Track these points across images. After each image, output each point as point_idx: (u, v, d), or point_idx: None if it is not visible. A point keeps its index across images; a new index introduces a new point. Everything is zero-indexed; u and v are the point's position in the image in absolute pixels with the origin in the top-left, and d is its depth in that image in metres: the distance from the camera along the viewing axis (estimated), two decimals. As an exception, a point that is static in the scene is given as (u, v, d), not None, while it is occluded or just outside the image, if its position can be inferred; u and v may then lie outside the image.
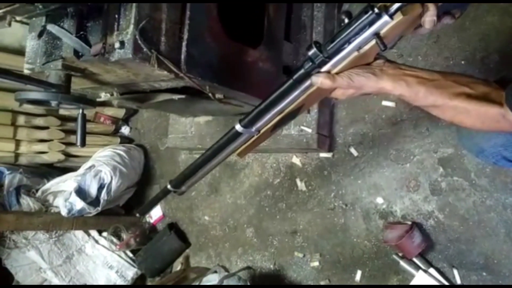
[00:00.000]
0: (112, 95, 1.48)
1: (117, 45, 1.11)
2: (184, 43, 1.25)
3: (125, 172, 2.22)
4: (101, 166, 2.15)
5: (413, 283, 1.59)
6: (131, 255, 2.31)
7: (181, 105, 1.70)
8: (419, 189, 1.68)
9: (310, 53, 0.73)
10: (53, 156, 2.23)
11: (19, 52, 1.90)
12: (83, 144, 1.29)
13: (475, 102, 0.72)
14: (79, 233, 2.25)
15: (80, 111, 1.27)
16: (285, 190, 2.00)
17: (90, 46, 1.14)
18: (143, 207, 1.36)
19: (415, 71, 0.75)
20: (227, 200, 2.18)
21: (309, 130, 1.78)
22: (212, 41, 1.34)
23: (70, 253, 2.20)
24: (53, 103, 1.20)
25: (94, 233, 2.29)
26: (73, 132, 2.19)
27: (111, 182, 2.14)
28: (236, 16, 1.47)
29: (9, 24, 1.12)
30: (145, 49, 1.12)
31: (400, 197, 1.71)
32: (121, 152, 2.30)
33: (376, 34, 0.68)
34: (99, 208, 2.11)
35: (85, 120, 1.29)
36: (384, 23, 0.67)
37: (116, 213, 2.38)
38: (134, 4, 1.12)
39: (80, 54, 1.16)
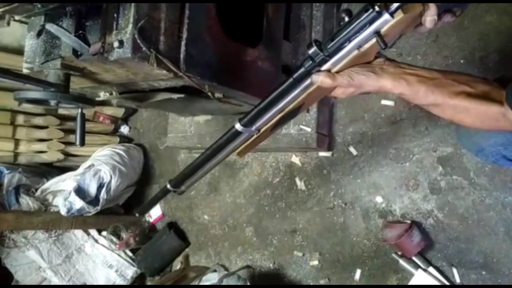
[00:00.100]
0: (111, 94, 1.47)
1: (116, 44, 1.10)
2: (183, 43, 1.24)
3: (124, 171, 2.22)
4: (101, 166, 2.15)
5: (412, 282, 1.59)
6: (130, 254, 2.31)
7: (180, 104, 1.70)
8: (419, 188, 1.68)
9: (310, 51, 0.73)
10: (52, 155, 2.22)
11: (18, 51, 1.90)
12: (82, 143, 1.28)
13: (475, 101, 0.72)
14: (79, 232, 2.24)
15: (79, 110, 1.27)
16: (285, 189, 2.00)
17: (89, 45, 1.14)
18: (143, 206, 1.36)
19: (415, 70, 0.75)
20: (227, 199, 2.18)
21: (309, 129, 1.78)
22: (211, 41, 1.34)
23: (69, 252, 2.19)
24: (52, 103, 1.19)
25: (93, 232, 2.29)
26: (72, 131, 2.18)
27: (110, 181, 2.13)
28: (235, 15, 1.46)
29: (8, 24, 1.12)
30: (144, 48, 1.12)
31: (400, 196, 1.71)
32: (121, 152, 2.29)
33: (377, 33, 0.68)
34: (99, 208, 2.11)
35: (84, 119, 1.28)
36: (385, 22, 0.67)
37: (116, 212, 2.38)
38: (133, 4, 1.11)
39: (79, 53, 1.16)
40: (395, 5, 0.65)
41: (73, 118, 1.82)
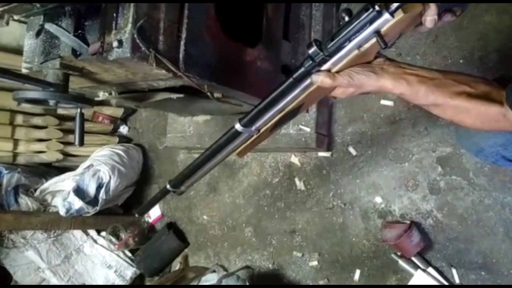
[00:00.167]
0: (110, 94, 1.47)
1: (115, 44, 1.10)
2: (182, 42, 1.24)
3: (123, 171, 2.22)
4: (100, 166, 2.15)
5: (411, 282, 1.59)
6: (129, 254, 2.30)
7: (179, 104, 1.70)
8: (418, 188, 1.68)
9: (310, 51, 0.72)
10: (52, 155, 2.22)
11: (17, 51, 1.90)
12: (82, 143, 1.28)
13: (476, 101, 0.72)
14: (78, 233, 2.24)
15: (78, 110, 1.26)
16: (284, 189, 2.00)
17: (88, 45, 1.14)
18: (142, 207, 1.36)
19: (415, 70, 0.75)
20: (226, 200, 2.17)
21: (308, 130, 1.77)
22: (210, 40, 1.34)
23: (68, 252, 2.19)
24: (51, 102, 1.19)
25: (92, 232, 2.29)
26: (72, 131, 2.19)
27: (109, 181, 2.13)
28: (234, 15, 1.46)
29: (7, 23, 1.11)
30: (143, 48, 1.11)
31: (399, 196, 1.71)
32: (120, 152, 2.29)
33: (377, 32, 0.67)
34: (98, 208, 2.10)
35: (83, 119, 1.28)
36: (385, 21, 0.66)
37: (115, 213, 2.38)
38: (132, 3, 1.11)
39: (78, 53, 1.16)
40: (395, 4, 0.65)
41: (72, 118, 1.82)
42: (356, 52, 0.72)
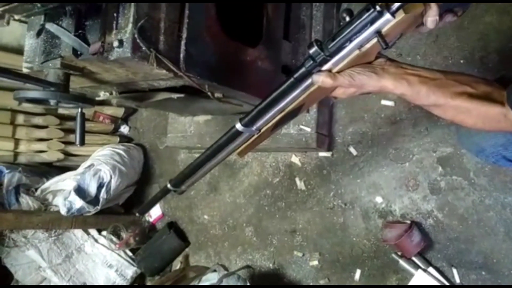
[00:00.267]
0: (111, 94, 1.47)
1: (115, 44, 1.10)
2: (183, 42, 1.24)
3: (124, 171, 2.22)
4: (101, 165, 2.15)
5: (412, 282, 1.59)
6: (130, 254, 2.31)
7: (180, 104, 1.70)
8: (418, 188, 1.68)
9: (311, 51, 0.72)
10: (52, 155, 2.22)
11: (18, 51, 1.90)
12: (82, 143, 1.28)
13: (477, 102, 0.72)
14: (79, 232, 2.24)
15: (79, 110, 1.26)
16: (285, 189, 2.00)
17: (88, 45, 1.14)
18: (143, 206, 1.36)
19: (416, 70, 0.75)
20: (227, 199, 2.17)
21: (308, 129, 1.77)
22: (211, 40, 1.34)
23: (69, 252, 2.19)
24: (52, 102, 1.19)
25: (93, 232, 2.29)
26: (72, 131, 2.18)
27: (110, 181, 2.13)
28: (235, 15, 1.46)
29: (8, 23, 1.11)
30: (143, 48, 1.11)
31: (399, 196, 1.71)
32: (120, 151, 2.29)
33: (378, 33, 0.67)
34: (99, 207, 2.11)
35: (84, 119, 1.28)
36: (386, 21, 0.66)
37: (116, 212, 2.38)
38: (132, 3, 1.11)
39: (78, 53, 1.16)
40: (396, 4, 0.65)
41: (73, 118, 1.82)
42: (357, 52, 0.72)
